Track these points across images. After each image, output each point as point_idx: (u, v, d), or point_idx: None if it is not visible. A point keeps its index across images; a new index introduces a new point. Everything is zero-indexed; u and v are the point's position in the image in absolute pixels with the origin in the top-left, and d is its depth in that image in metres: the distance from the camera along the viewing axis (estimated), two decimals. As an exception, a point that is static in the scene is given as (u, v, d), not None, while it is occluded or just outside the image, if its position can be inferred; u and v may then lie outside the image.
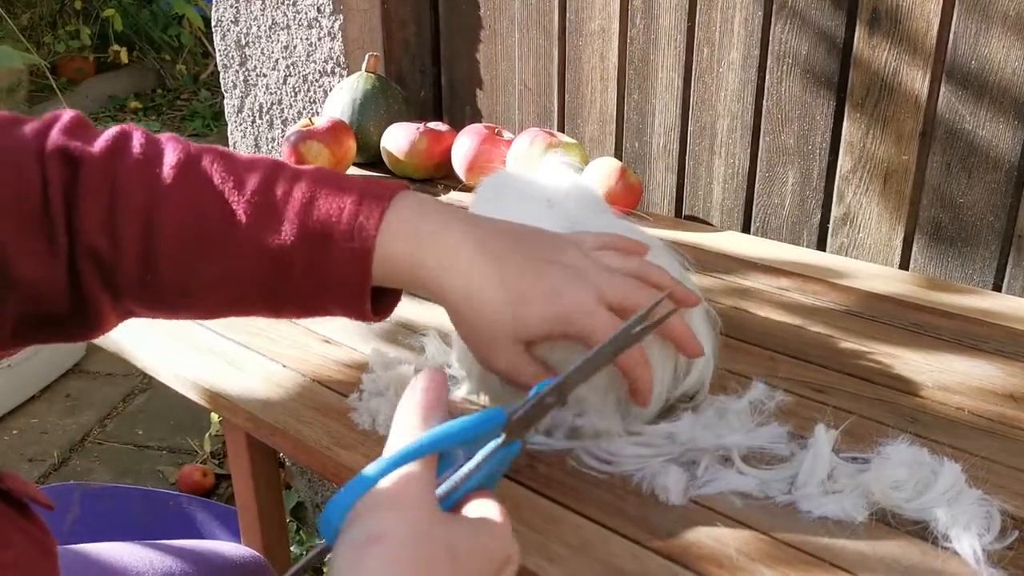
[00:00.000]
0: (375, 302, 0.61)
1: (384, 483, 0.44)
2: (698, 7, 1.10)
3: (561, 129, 1.28)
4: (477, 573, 0.43)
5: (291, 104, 1.44)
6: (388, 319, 0.64)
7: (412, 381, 0.50)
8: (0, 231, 0.54)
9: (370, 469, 0.44)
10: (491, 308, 0.59)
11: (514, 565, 0.45)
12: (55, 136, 0.58)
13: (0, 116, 0.58)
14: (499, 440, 0.48)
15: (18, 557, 0.50)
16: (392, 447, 0.46)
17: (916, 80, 0.97)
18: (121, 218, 0.57)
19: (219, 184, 0.59)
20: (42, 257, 0.56)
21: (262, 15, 1.41)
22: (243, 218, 0.58)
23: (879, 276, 0.97)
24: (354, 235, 0.58)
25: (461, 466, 0.47)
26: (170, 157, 0.59)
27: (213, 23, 1.47)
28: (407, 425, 0.47)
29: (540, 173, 0.75)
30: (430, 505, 0.44)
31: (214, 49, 1.52)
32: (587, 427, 0.64)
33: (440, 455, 0.47)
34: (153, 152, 0.59)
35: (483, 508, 0.46)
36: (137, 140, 0.59)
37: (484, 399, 0.69)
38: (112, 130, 0.60)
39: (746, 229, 1.15)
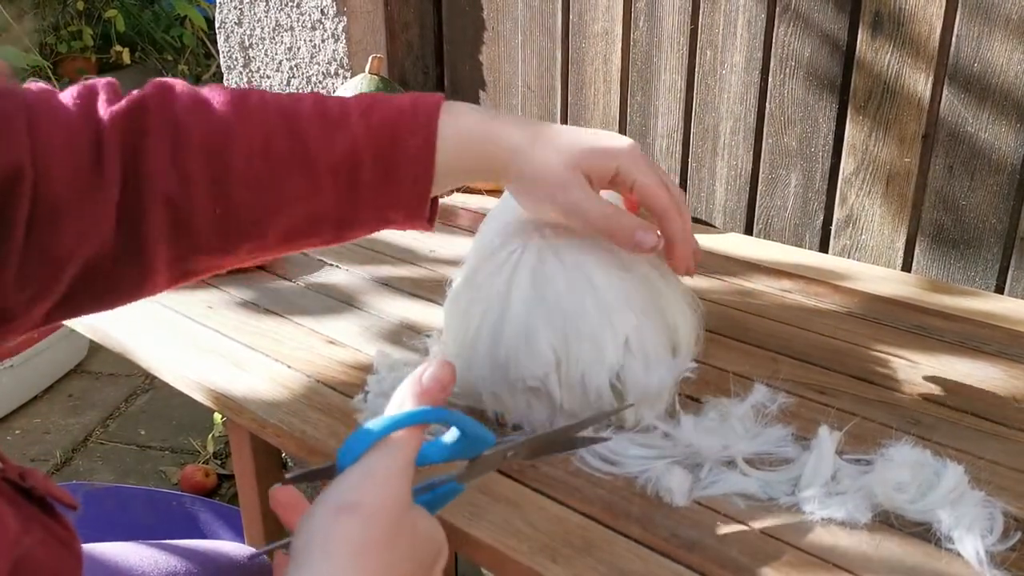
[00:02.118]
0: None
1: (370, 453, 0.48)
2: (701, 9, 1.10)
3: (564, 131, 1.28)
4: (424, 554, 0.48)
5: (294, 105, 1.44)
6: (391, 320, 0.64)
7: (424, 367, 0.52)
8: (58, 196, 0.55)
9: (374, 423, 0.48)
10: (552, 150, 0.64)
11: (444, 557, 0.51)
12: (106, 102, 0.59)
13: (38, 92, 0.59)
14: (455, 473, 0.54)
15: (41, 556, 0.50)
16: (390, 411, 0.50)
17: (919, 83, 0.97)
18: (187, 154, 0.59)
19: (275, 109, 0.62)
20: (92, 219, 0.57)
21: (266, 17, 1.41)
22: (309, 131, 0.61)
23: (881, 278, 0.98)
24: (418, 129, 0.62)
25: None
26: (218, 94, 0.62)
27: (217, 25, 1.48)
28: (405, 396, 0.51)
29: None
30: (407, 484, 0.48)
31: (217, 50, 1.53)
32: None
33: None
34: (200, 94, 0.62)
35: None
36: (181, 85, 0.62)
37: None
38: (153, 81, 0.62)
39: (748, 231, 1.15)
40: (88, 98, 0.59)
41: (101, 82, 0.61)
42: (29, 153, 0.54)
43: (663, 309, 0.69)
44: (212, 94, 0.62)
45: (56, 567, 0.52)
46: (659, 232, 0.65)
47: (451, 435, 0.53)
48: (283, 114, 0.62)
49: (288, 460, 1.73)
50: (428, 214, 0.65)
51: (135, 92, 0.60)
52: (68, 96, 0.59)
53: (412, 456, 0.49)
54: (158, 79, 0.62)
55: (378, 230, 0.67)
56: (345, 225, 0.65)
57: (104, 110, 0.59)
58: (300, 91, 1.41)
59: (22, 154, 0.54)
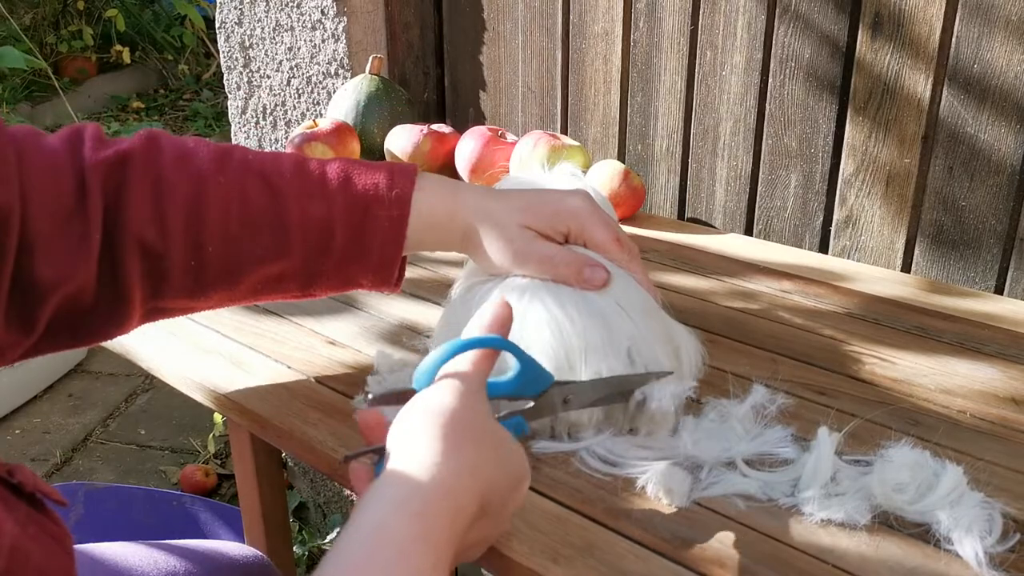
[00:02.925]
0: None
1: (445, 371, 0.52)
2: (701, 10, 1.10)
3: (564, 131, 1.28)
4: (513, 466, 0.50)
5: (295, 106, 1.45)
6: (391, 320, 0.65)
7: (486, 304, 0.57)
8: (40, 232, 0.58)
9: (447, 345, 0.52)
10: (505, 216, 0.68)
11: (527, 481, 0.52)
12: (92, 148, 0.62)
13: (25, 129, 0.62)
14: (524, 406, 0.58)
15: (35, 552, 0.51)
16: (466, 334, 0.55)
17: (918, 84, 0.97)
18: (167, 207, 0.62)
19: (257, 168, 0.65)
20: (73, 259, 0.60)
21: (266, 17, 1.41)
22: (287, 194, 0.64)
23: (881, 279, 0.98)
24: (393, 204, 0.66)
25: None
26: (204, 150, 0.65)
27: (217, 25, 1.48)
28: (471, 329, 0.55)
29: (549, 178, 0.76)
30: (484, 396, 0.52)
31: (217, 50, 1.53)
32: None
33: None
34: (186, 147, 0.65)
35: None
36: (168, 139, 0.65)
37: None
38: (141, 133, 0.65)
39: (748, 232, 1.15)
40: (74, 143, 0.62)
41: (88, 127, 0.64)
42: (18, 189, 0.57)
43: (665, 323, 0.69)
44: (197, 148, 0.65)
45: (49, 562, 0.53)
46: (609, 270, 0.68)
47: (512, 372, 0.57)
48: (263, 175, 0.65)
49: (288, 460, 1.73)
50: (396, 277, 0.70)
51: (124, 142, 0.63)
52: (55, 138, 0.62)
53: (485, 375, 0.52)
54: (147, 130, 0.66)
55: (346, 291, 0.71)
56: (312, 286, 0.69)
57: (90, 156, 0.61)
58: (300, 91, 1.42)
59: (11, 190, 0.57)
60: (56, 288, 0.59)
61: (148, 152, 0.63)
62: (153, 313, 0.66)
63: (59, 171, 0.60)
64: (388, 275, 0.68)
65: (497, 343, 0.54)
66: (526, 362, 0.57)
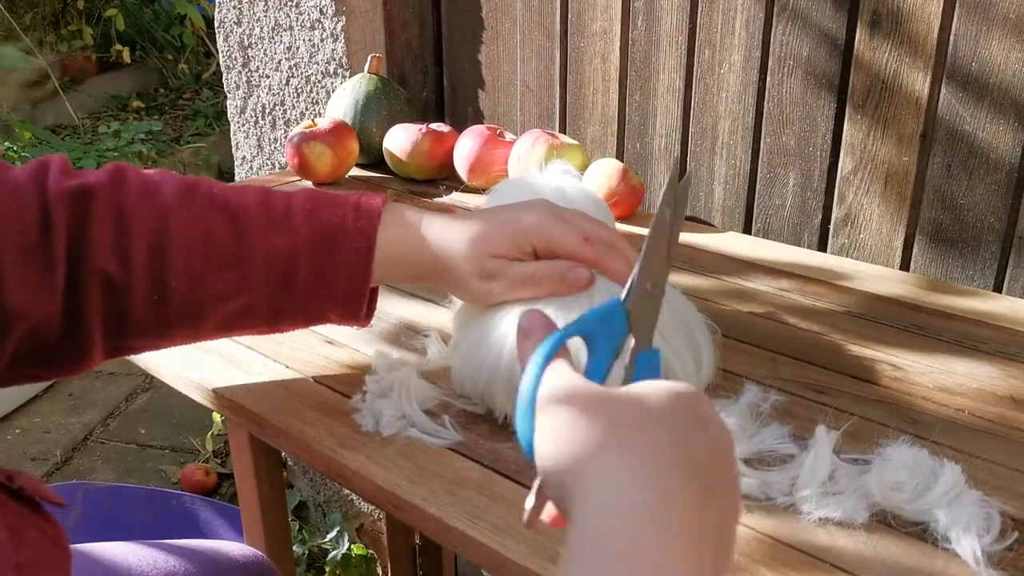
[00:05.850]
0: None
1: (539, 411, 0.41)
2: (699, 9, 1.10)
3: (563, 130, 1.28)
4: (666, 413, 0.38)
5: (294, 105, 1.45)
6: (390, 320, 0.65)
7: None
8: (7, 262, 0.58)
9: (528, 381, 0.43)
10: (468, 248, 0.66)
11: (693, 398, 0.39)
12: (56, 179, 0.61)
13: None
14: (630, 343, 0.47)
15: (32, 553, 0.51)
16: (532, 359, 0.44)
17: (917, 82, 0.97)
18: (131, 242, 0.61)
19: (221, 203, 0.64)
20: (39, 290, 0.59)
21: (265, 16, 1.41)
22: (250, 229, 0.63)
23: (880, 277, 0.98)
24: (358, 237, 0.65)
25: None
26: (169, 184, 0.64)
27: (216, 24, 1.48)
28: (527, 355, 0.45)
29: (545, 179, 0.76)
30: (590, 385, 0.42)
31: (216, 49, 1.53)
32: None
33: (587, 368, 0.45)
34: (152, 181, 0.64)
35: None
36: (134, 173, 0.64)
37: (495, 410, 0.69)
38: (107, 167, 0.64)
39: (747, 230, 1.15)
40: (40, 173, 0.62)
41: (55, 159, 0.63)
42: None
43: (686, 323, 0.69)
44: (163, 182, 0.64)
45: (47, 564, 0.53)
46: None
47: (583, 354, 0.46)
48: (228, 209, 0.64)
49: (287, 459, 1.73)
50: (364, 312, 0.69)
51: (90, 174, 0.63)
52: (21, 171, 0.62)
53: (572, 374, 0.42)
54: (113, 163, 0.65)
55: (314, 325, 0.70)
56: (279, 321, 0.68)
57: (54, 186, 0.61)
58: (299, 90, 1.42)
59: None
60: (21, 319, 0.58)
61: (113, 185, 0.62)
62: (116, 351, 0.65)
63: (24, 202, 0.59)
64: (356, 309, 0.67)
65: (555, 343, 0.44)
66: (589, 329, 0.46)
